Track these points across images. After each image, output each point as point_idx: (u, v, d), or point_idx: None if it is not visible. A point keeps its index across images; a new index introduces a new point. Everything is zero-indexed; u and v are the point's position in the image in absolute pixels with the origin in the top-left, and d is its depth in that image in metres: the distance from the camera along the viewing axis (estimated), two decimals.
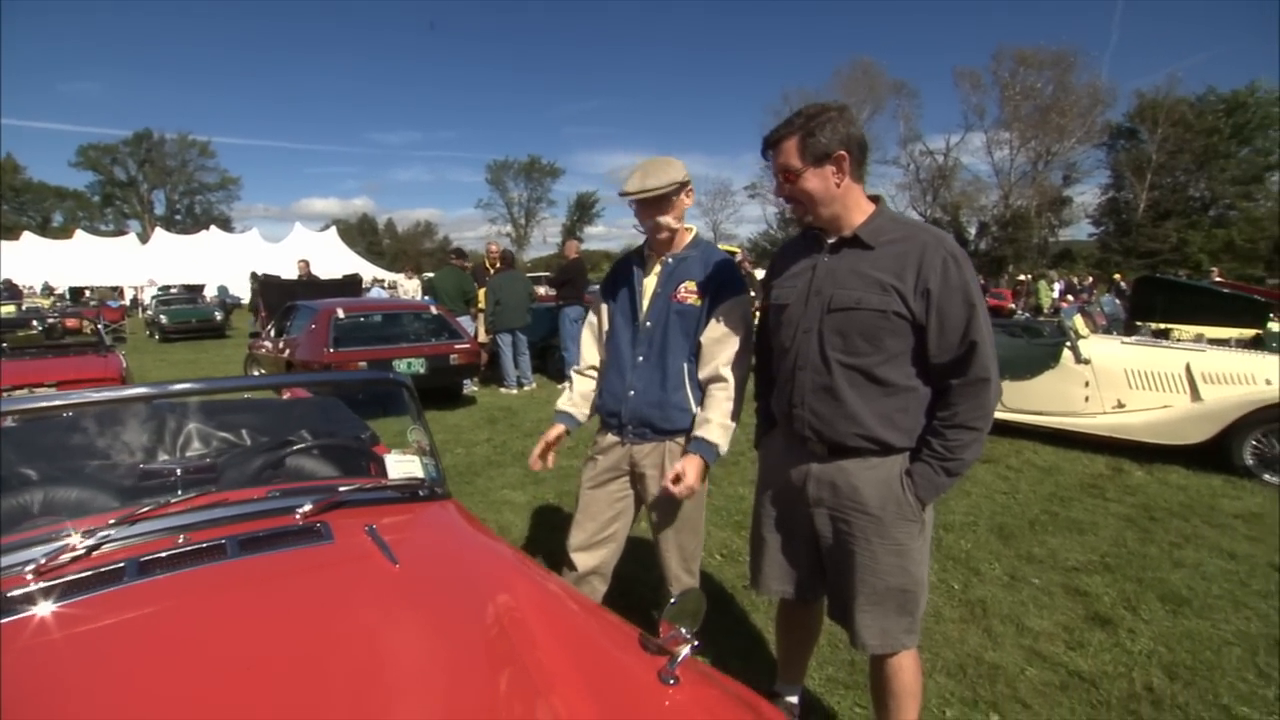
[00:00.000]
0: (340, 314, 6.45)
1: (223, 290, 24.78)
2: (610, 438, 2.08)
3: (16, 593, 1.17)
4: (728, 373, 1.95)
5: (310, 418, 2.70)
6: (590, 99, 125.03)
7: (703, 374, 1.98)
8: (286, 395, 3.40)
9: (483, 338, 8.39)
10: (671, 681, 1.06)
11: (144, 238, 42.97)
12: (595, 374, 2.21)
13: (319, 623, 1.17)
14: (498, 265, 9.48)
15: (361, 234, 70.03)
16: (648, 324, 2.01)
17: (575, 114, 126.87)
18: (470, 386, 7.90)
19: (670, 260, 2.02)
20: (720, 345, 1.96)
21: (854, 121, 1.60)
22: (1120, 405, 5.08)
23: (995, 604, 2.82)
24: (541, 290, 13.43)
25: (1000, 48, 45.63)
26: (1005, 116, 45.64)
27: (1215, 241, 40.06)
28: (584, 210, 72.05)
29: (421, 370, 6.43)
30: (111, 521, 1.38)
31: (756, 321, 1.99)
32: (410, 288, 12.34)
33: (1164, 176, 42.34)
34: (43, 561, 1.25)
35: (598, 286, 2.34)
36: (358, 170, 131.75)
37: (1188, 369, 4.82)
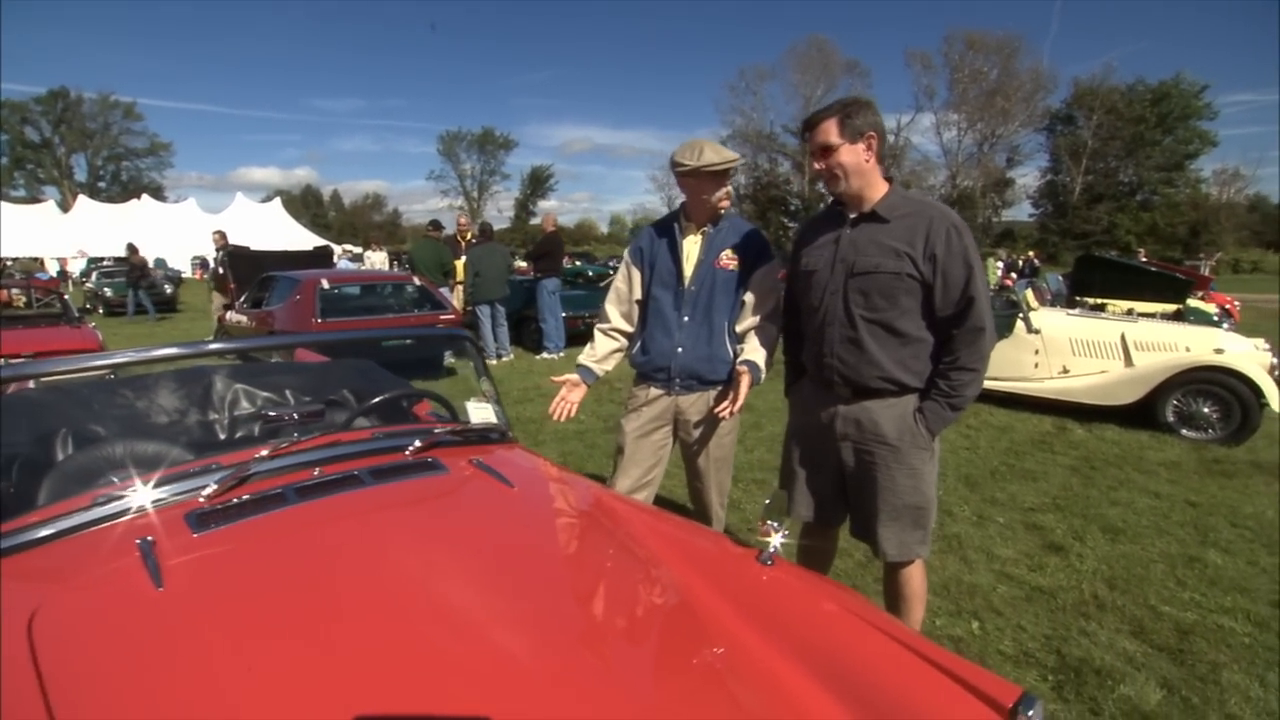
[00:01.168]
0: (325, 284, 6.47)
1: (160, 263, 23.48)
2: (655, 391, 2.34)
3: (201, 511, 1.36)
4: (768, 325, 2.24)
5: (357, 377, 2.88)
6: (543, 69, 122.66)
7: (741, 328, 2.27)
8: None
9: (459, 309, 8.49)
10: (769, 562, 1.36)
11: (64, 206, 39.96)
12: (619, 335, 2.44)
13: (471, 529, 1.43)
14: (469, 237, 9.55)
15: (306, 206, 67.22)
16: (692, 287, 2.27)
17: (528, 85, 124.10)
18: (449, 358, 8.01)
19: (711, 229, 2.28)
20: (758, 305, 2.25)
21: (878, 112, 1.89)
22: (1065, 371, 5.63)
23: (968, 538, 3.25)
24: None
25: (950, 31, 46.95)
26: (954, 98, 47.12)
27: (1141, 224, 42.57)
28: (538, 183, 70.76)
29: (408, 341, 6.53)
30: (258, 455, 1.57)
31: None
32: (377, 260, 12.19)
33: (1098, 161, 44.56)
34: (214, 488, 1.44)
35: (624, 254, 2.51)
36: (299, 139, 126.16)
37: (1123, 338, 5.40)
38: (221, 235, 9.79)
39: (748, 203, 54.36)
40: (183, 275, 22.96)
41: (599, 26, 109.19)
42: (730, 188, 2.27)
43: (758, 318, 2.26)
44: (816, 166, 1.94)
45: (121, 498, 1.39)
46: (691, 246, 2.30)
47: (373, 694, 0.90)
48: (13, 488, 1.59)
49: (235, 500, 1.42)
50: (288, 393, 2.71)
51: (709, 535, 1.53)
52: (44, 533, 1.29)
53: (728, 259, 2.26)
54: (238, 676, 0.94)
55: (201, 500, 1.41)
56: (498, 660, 1.02)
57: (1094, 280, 8.02)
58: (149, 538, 1.24)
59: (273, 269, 8.35)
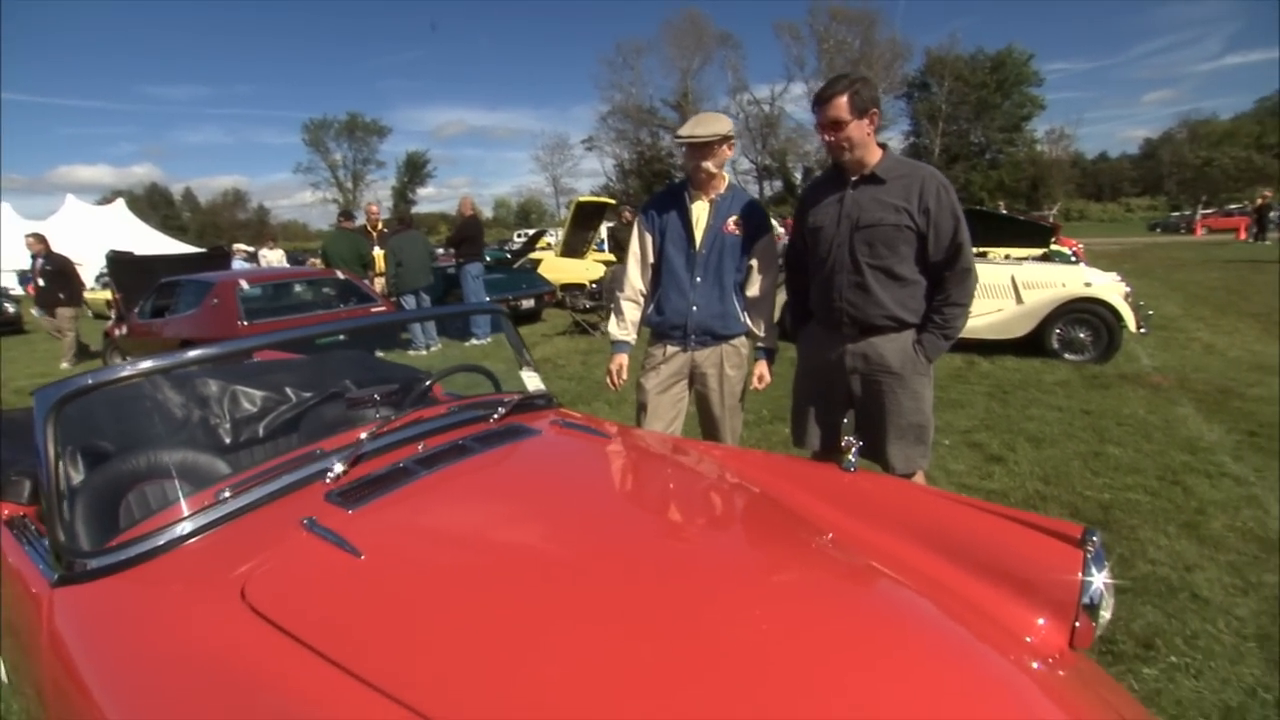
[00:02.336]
0: (245, 286, 6.08)
1: None
2: (672, 348, 2.55)
3: (340, 491, 1.43)
4: (770, 289, 2.52)
5: (362, 366, 2.88)
6: (409, 50, 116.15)
7: (751, 291, 2.52)
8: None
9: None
10: (851, 468, 1.62)
11: None
12: (641, 298, 2.64)
13: (597, 475, 1.59)
14: (380, 226, 9.20)
15: (153, 206, 60.24)
16: (703, 251, 2.48)
17: (393, 66, 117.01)
18: (377, 352, 7.77)
19: (717, 198, 2.49)
20: (763, 271, 2.52)
21: (875, 89, 2.17)
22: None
23: None
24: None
25: (815, 3, 49.14)
26: (822, 68, 49.56)
27: (991, 181, 47.08)
28: (415, 170, 67.14)
29: (343, 337, 6.29)
30: (363, 436, 1.63)
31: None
32: (274, 258, 11.38)
33: (951, 125, 48.67)
34: (340, 469, 1.50)
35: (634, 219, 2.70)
36: (133, 131, 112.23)
37: (1013, 279, 6.18)
38: (39, 239, 8.73)
39: (633, 178, 54.91)
40: (11, 291, 20.04)
41: (462, 3, 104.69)
42: (721, 157, 2.46)
43: (763, 285, 2.53)
44: (826, 138, 2.18)
45: (251, 488, 1.43)
46: (700, 213, 2.50)
47: (609, 620, 1.04)
48: (143, 485, 1.56)
49: (362, 478, 1.48)
50: (287, 390, 2.68)
51: (786, 458, 1.78)
52: (192, 526, 1.32)
53: (734, 225, 2.49)
54: (475, 614, 1.05)
55: (328, 481, 1.47)
56: (699, 565, 1.21)
57: (974, 231, 8.94)
58: (313, 516, 1.29)
59: (165, 275, 7.69)
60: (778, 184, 55.90)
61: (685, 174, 2.53)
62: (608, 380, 2.64)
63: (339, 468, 1.49)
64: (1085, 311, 5.77)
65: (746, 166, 55.98)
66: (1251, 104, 54.17)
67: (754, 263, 2.53)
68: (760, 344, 2.59)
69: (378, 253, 8.44)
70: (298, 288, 6.69)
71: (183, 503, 1.39)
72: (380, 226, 9.00)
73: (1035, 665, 1.12)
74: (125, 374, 1.46)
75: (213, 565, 1.24)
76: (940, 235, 2.15)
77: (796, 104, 55.04)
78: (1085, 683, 1.13)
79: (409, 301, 7.99)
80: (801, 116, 53.80)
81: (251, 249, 13.13)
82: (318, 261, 9.72)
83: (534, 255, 13.36)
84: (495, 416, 1.85)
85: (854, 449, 1.66)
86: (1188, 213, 36.11)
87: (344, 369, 2.89)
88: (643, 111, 55.41)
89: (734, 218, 2.48)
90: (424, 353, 8.11)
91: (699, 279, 2.49)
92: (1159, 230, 35.21)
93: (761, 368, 2.59)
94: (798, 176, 54.02)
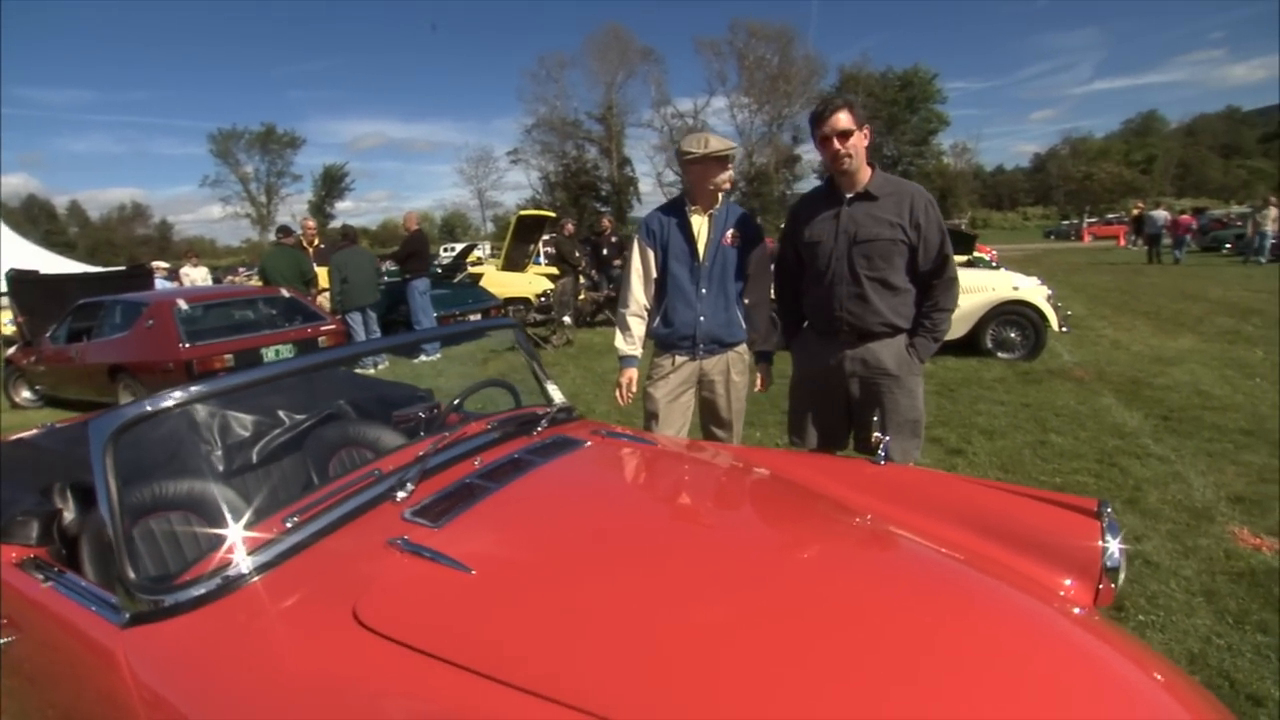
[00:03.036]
0: (183, 305, 5.73)
1: None
2: (680, 358, 2.64)
3: (417, 508, 1.43)
4: (765, 296, 2.67)
5: (350, 387, 2.83)
6: (318, 58, 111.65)
7: (748, 299, 2.65)
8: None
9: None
10: (881, 461, 1.76)
11: None
12: (645, 312, 2.71)
13: (657, 479, 1.65)
14: (316, 242, 8.89)
15: (33, 221, 54.83)
16: (706, 263, 2.58)
17: (302, 75, 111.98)
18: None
19: (715, 212, 2.61)
20: (759, 278, 2.65)
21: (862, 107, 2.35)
22: None
23: None
24: None
25: (735, 20, 50.80)
26: (743, 83, 51.28)
27: None
28: (333, 184, 64.34)
29: (291, 357, 6.04)
30: (419, 455, 1.62)
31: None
32: (197, 276, 10.68)
33: None
34: (411, 488, 1.49)
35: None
36: (4, 138, 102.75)
37: None
38: None
39: (559, 190, 54.86)
40: None
41: (376, 10, 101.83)
42: (731, 172, 2.60)
43: (759, 293, 2.68)
44: (832, 149, 2.31)
45: (318, 513, 1.41)
46: (700, 226, 2.61)
47: (714, 607, 1.13)
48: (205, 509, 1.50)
49: (434, 496, 1.48)
50: (280, 413, 2.62)
51: (821, 456, 1.90)
52: (271, 555, 1.29)
53: (732, 237, 2.61)
54: (598, 608, 1.10)
55: (399, 501, 1.46)
56: (770, 545, 1.31)
57: None
58: (404, 537, 1.30)
59: (78, 296, 7.15)
60: None
61: (686, 190, 2.64)
62: (617, 395, 2.70)
63: (409, 487, 1.49)
64: (1014, 313, 6.27)
65: (672, 179, 56.92)
66: (1119, 124, 60.15)
67: (752, 274, 2.66)
68: (758, 349, 2.73)
69: (319, 269, 8.13)
70: (240, 306, 6.36)
71: (250, 532, 1.36)
72: (317, 242, 8.67)
73: (1078, 612, 1.28)
74: (183, 398, 1.41)
75: (308, 592, 1.22)
76: (929, 248, 2.34)
77: (718, 117, 56.51)
78: (1117, 630, 1.30)
79: (355, 319, 7.73)
80: (724, 129, 55.29)
81: (169, 266, 12.29)
82: (237, 278, 9.23)
83: (475, 270, 13.15)
84: (538, 430, 1.88)
85: (882, 444, 1.80)
86: (1076, 221, 39.50)
87: (335, 389, 2.83)
88: (567, 124, 55.44)
89: (731, 230, 2.61)
90: (370, 371, 7.85)
91: (704, 290, 2.60)
92: (1053, 237, 38.35)
93: (761, 374, 2.73)
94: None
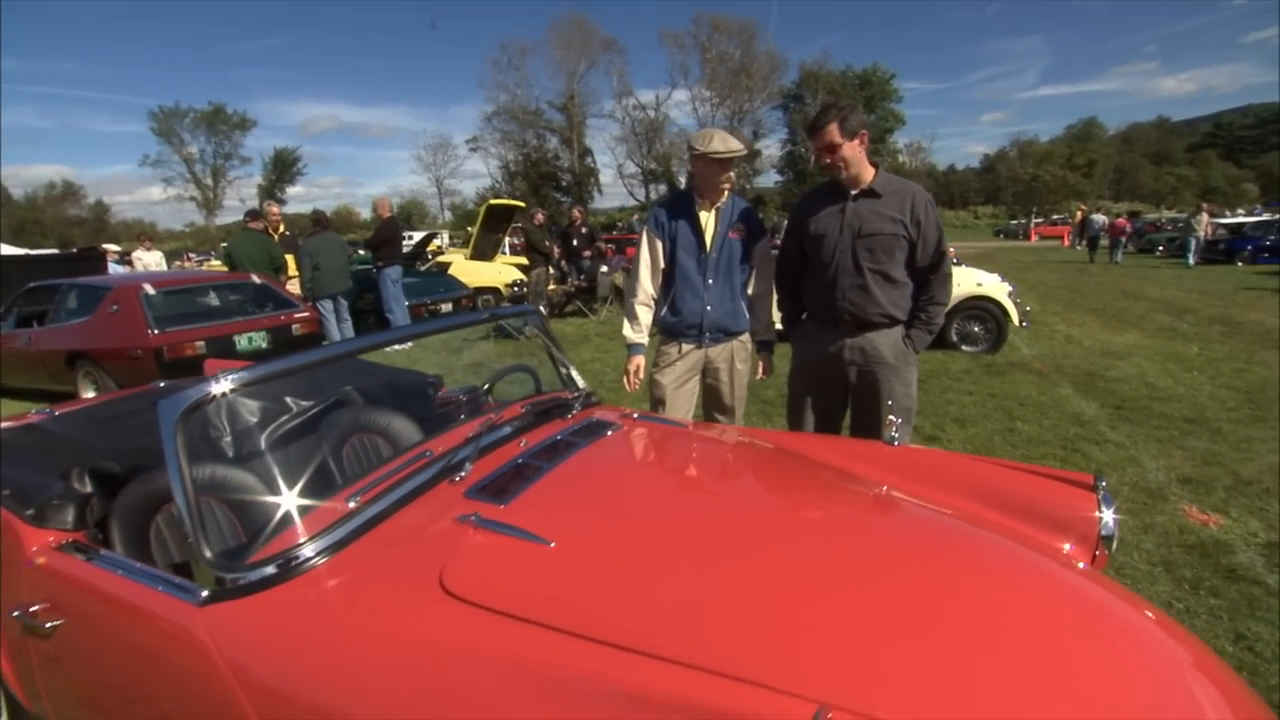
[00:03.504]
0: (150, 290, 5.53)
1: None
2: (687, 345, 2.73)
3: (479, 486, 1.48)
4: (768, 288, 2.78)
5: (357, 374, 2.83)
6: (268, 36, 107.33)
7: (751, 290, 2.76)
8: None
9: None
10: (894, 442, 1.89)
11: None
12: (652, 302, 2.80)
13: (697, 456, 1.75)
14: (282, 230, 8.66)
15: None
16: (713, 255, 2.68)
17: (251, 53, 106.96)
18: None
19: (722, 206, 2.70)
20: (762, 273, 2.77)
21: (862, 113, 2.47)
22: None
23: None
24: None
25: (698, 14, 50.93)
26: (705, 76, 51.51)
27: None
28: (284, 168, 61.48)
29: (264, 345, 5.91)
30: (471, 436, 1.67)
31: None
32: (150, 261, 10.23)
33: None
34: (469, 468, 1.54)
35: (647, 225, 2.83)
36: None
37: None
38: None
39: (519, 179, 54.24)
40: None
41: None
42: (733, 172, 2.70)
43: (762, 284, 2.80)
44: (824, 160, 2.45)
45: (379, 494, 1.44)
46: (708, 220, 2.70)
47: (778, 561, 1.25)
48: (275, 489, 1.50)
49: (492, 475, 1.54)
50: (288, 400, 2.61)
51: (836, 438, 2.03)
52: (342, 534, 1.33)
53: (736, 230, 2.71)
54: (673, 568, 1.20)
55: (458, 481, 1.51)
56: (807, 509, 1.43)
57: None
58: (477, 514, 1.35)
59: (24, 279, 6.83)
60: (663, 187, 57.14)
61: (695, 185, 2.72)
62: (625, 381, 2.78)
63: (468, 467, 1.54)
64: (978, 308, 6.57)
65: (632, 170, 56.88)
66: (1062, 129, 62.81)
67: (755, 266, 2.77)
68: (760, 338, 2.84)
69: (289, 256, 7.92)
70: (208, 292, 6.16)
71: (315, 512, 1.39)
72: (282, 229, 8.44)
73: (1082, 566, 1.43)
74: (248, 378, 1.43)
75: (388, 566, 1.26)
76: (927, 244, 2.48)
77: (680, 109, 56.70)
78: (1115, 582, 1.46)
79: (326, 306, 7.56)
80: (685, 123, 55.52)
81: (120, 250, 11.72)
82: (187, 263, 8.87)
83: (442, 259, 12.97)
84: (571, 414, 1.95)
85: (895, 426, 1.94)
86: (1024, 221, 41.11)
87: (342, 375, 2.83)
88: (528, 113, 54.76)
89: (737, 224, 2.71)
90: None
91: (710, 281, 2.69)
92: (1002, 236, 39.87)
93: (762, 361, 2.84)
94: (681, 181, 55.69)
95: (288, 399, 2.62)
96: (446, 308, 9.58)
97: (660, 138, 55.89)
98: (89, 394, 5.69)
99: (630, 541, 1.29)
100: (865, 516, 1.53)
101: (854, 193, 2.49)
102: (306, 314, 6.40)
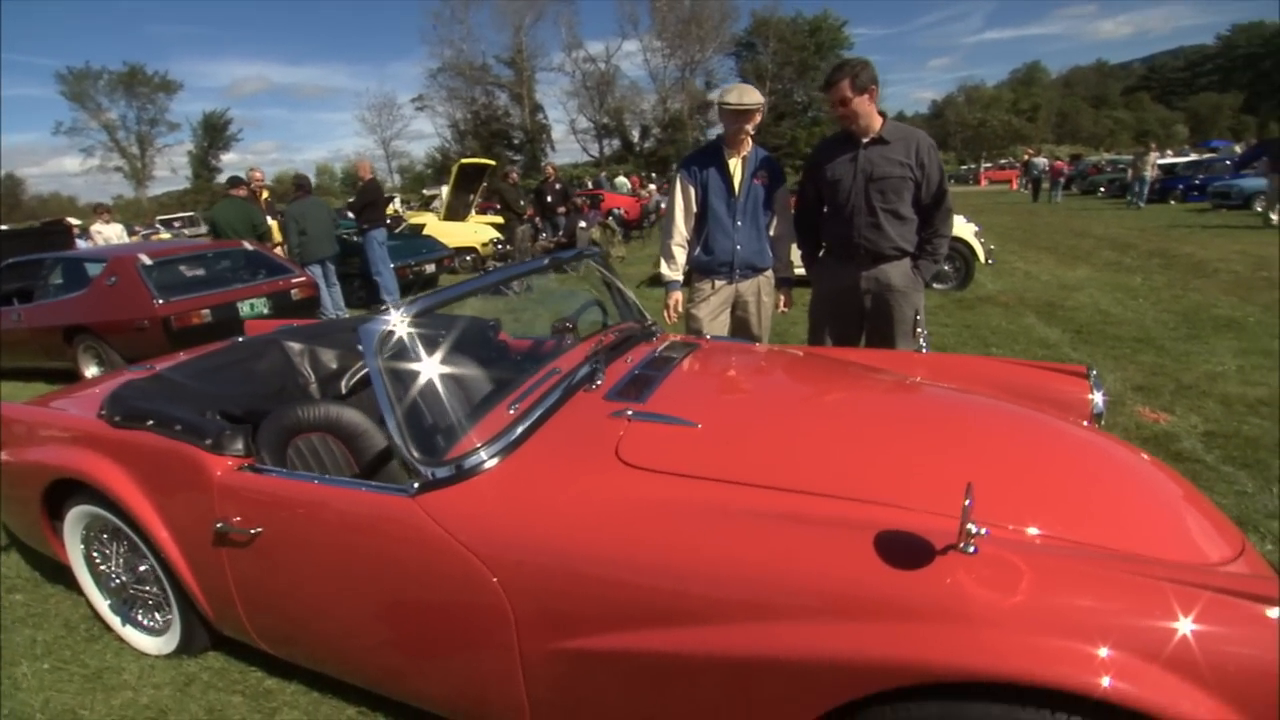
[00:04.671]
0: (146, 260, 5.50)
1: None
2: (719, 281, 3.04)
3: (615, 390, 1.78)
4: (787, 229, 3.09)
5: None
6: None
7: (774, 232, 3.08)
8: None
9: None
10: (923, 349, 2.25)
11: None
12: (686, 243, 3.08)
13: (775, 362, 2.09)
14: (265, 196, 8.54)
15: None
16: (740, 199, 2.97)
17: (163, 8, 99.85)
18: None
19: (747, 155, 2.98)
20: (782, 217, 3.08)
21: (873, 70, 2.75)
22: None
23: None
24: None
25: None
26: (655, 25, 50.44)
27: (814, 137, 51.13)
28: (216, 133, 57.30)
29: (266, 311, 5.95)
30: (588, 355, 1.96)
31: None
32: (111, 234, 9.86)
33: (777, 84, 51.84)
34: (602, 379, 1.83)
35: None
36: None
37: None
38: None
39: (470, 138, 52.66)
40: None
41: None
42: (750, 125, 2.97)
43: (782, 226, 3.11)
44: (838, 111, 2.75)
45: (534, 402, 1.71)
46: (735, 168, 2.98)
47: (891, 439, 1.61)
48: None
49: (620, 382, 1.84)
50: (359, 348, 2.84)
51: (871, 350, 2.40)
52: (520, 430, 1.60)
53: (760, 177, 3.01)
54: (836, 440, 1.55)
55: (595, 388, 1.81)
56: (872, 394, 1.83)
57: None
58: (629, 409, 1.66)
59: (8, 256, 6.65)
60: (615, 142, 56.27)
61: (723, 136, 2.98)
62: (665, 314, 3.08)
63: (602, 376, 1.84)
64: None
65: (585, 125, 55.79)
66: (1007, 74, 63.95)
67: (777, 211, 3.08)
68: (780, 275, 3.16)
69: (272, 222, 7.83)
70: (202, 261, 6.13)
71: (488, 420, 1.63)
72: (265, 195, 8.31)
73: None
74: (430, 304, 1.69)
75: (567, 452, 1.55)
76: (930, 183, 2.82)
77: (630, 60, 55.53)
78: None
79: (315, 271, 7.55)
80: (636, 74, 54.44)
81: (80, 224, 11.23)
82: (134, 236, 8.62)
83: (415, 220, 12.84)
84: (655, 338, 2.26)
85: (922, 336, 2.30)
86: (974, 166, 42.16)
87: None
88: (475, 68, 52.80)
89: (761, 171, 3.00)
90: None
91: (739, 223, 2.99)
92: (953, 181, 40.56)
93: (783, 295, 3.17)
94: (635, 134, 54.98)
95: (360, 347, 2.85)
96: (430, 268, 9.62)
97: (612, 91, 54.79)
98: (90, 368, 5.70)
99: (756, 417, 1.66)
100: (923, 396, 1.93)
101: (865, 140, 2.80)
102: (303, 279, 6.43)
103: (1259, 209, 13.02)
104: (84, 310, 5.55)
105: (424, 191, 26.04)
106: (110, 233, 9.88)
